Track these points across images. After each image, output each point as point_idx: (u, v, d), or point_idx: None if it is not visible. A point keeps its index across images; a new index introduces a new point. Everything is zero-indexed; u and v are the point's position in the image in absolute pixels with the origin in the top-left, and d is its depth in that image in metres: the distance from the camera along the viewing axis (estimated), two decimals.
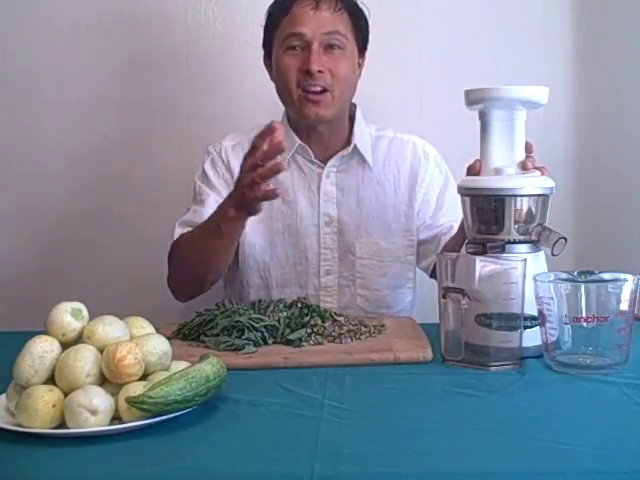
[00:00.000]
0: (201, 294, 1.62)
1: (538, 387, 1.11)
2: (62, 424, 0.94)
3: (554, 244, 1.22)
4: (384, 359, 1.21)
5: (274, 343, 1.30)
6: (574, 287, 1.14)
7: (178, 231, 1.62)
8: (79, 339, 1.02)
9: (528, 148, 1.33)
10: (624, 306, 1.13)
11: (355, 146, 1.65)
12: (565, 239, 1.22)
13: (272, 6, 1.63)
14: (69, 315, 1.02)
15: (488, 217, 1.27)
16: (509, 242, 1.26)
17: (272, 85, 1.65)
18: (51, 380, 0.98)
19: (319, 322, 1.34)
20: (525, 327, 1.19)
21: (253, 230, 1.66)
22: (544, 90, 1.30)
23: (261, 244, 1.67)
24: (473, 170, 1.34)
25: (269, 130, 1.30)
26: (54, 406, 0.94)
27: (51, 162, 2.02)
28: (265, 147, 1.30)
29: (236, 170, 1.64)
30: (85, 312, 1.04)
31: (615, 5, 2.00)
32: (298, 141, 1.64)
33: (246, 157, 1.35)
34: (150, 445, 0.91)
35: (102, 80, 1.99)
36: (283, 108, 1.67)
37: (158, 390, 0.94)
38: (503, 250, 1.25)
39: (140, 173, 2.02)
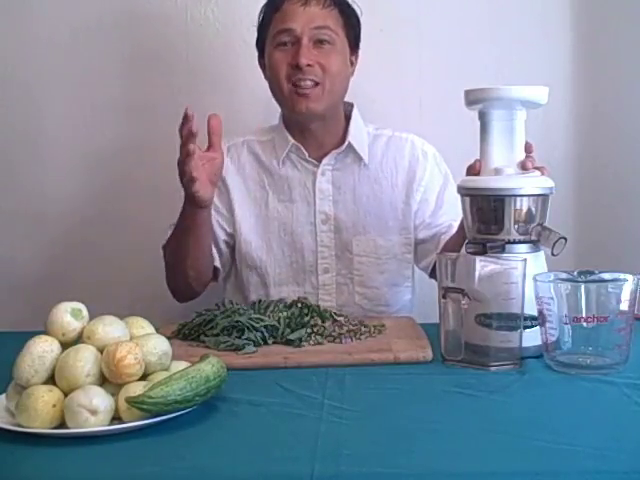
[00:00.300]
0: (195, 294, 1.64)
1: (538, 387, 1.11)
2: (62, 424, 0.94)
3: (554, 244, 1.22)
4: (384, 359, 1.21)
5: (274, 343, 1.30)
6: (574, 287, 1.14)
7: (168, 233, 1.64)
8: (79, 339, 1.02)
9: (528, 148, 1.33)
10: (624, 306, 1.13)
11: (349, 144, 1.65)
12: (565, 239, 1.22)
13: (264, 5, 1.65)
14: (69, 315, 1.02)
15: (488, 217, 1.27)
16: (509, 242, 1.26)
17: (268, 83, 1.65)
18: (51, 380, 0.98)
19: (319, 322, 1.34)
20: (525, 327, 1.19)
21: (249, 229, 1.67)
22: (544, 90, 1.30)
23: (257, 242, 1.67)
24: (473, 170, 1.34)
25: (185, 118, 1.38)
26: (54, 406, 0.94)
27: (51, 162, 2.02)
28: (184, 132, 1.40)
29: (230, 173, 1.67)
30: (85, 312, 1.04)
31: (615, 5, 1.99)
32: (292, 140, 1.65)
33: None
34: (150, 445, 0.91)
35: (102, 80, 1.99)
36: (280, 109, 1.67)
37: (158, 390, 0.94)
38: (503, 250, 1.25)
39: (140, 173, 2.01)
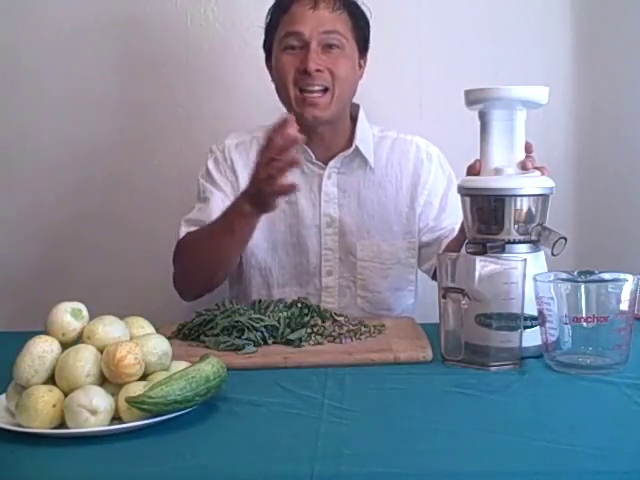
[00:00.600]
0: (208, 293, 1.61)
1: (538, 387, 1.11)
2: (62, 424, 0.94)
3: (554, 244, 1.22)
4: (384, 359, 1.21)
5: (274, 343, 1.30)
6: (574, 287, 1.14)
7: (183, 230, 1.61)
8: (79, 339, 1.02)
9: (528, 148, 1.33)
10: (624, 306, 1.13)
11: (357, 147, 1.65)
12: (565, 239, 1.22)
13: (272, 7, 1.63)
14: (69, 315, 1.02)
15: (488, 217, 1.27)
16: (509, 242, 1.26)
17: (272, 85, 1.64)
18: (51, 380, 0.98)
19: (319, 322, 1.34)
20: (525, 327, 1.19)
21: (255, 230, 1.66)
22: (544, 90, 1.30)
23: (262, 243, 1.67)
24: (473, 170, 1.34)
25: (282, 123, 1.31)
26: (54, 406, 0.94)
27: (51, 162, 2.02)
28: (280, 141, 1.30)
29: (239, 168, 1.65)
30: (85, 312, 1.04)
31: (615, 5, 2.00)
32: None
33: (261, 152, 1.36)
34: (150, 445, 0.91)
35: (102, 80, 1.99)
36: (283, 109, 1.66)
37: (158, 390, 0.94)
38: (503, 250, 1.25)
39: (140, 173, 2.02)
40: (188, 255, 1.58)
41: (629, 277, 1.14)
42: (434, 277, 1.64)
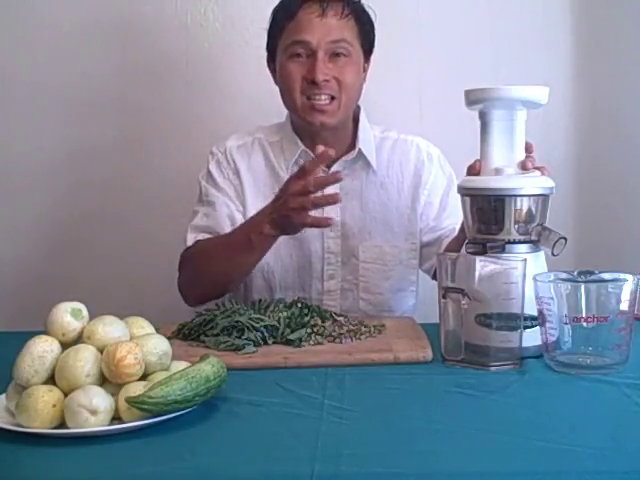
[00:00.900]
0: (215, 300, 1.61)
1: (538, 387, 1.11)
2: (62, 424, 0.94)
3: (554, 244, 1.22)
4: (384, 359, 1.21)
5: (274, 343, 1.30)
6: (574, 287, 1.14)
7: (191, 237, 1.60)
8: (79, 339, 1.02)
9: (528, 148, 1.33)
10: (624, 306, 1.13)
11: (360, 150, 1.64)
12: (565, 239, 1.22)
13: (277, 9, 1.60)
14: (69, 315, 1.02)
15: (488, 217, 1.27)
16: (509, 242, 1.26)
17: (272, 86, 1.64)
18: (51, 380, 0.98)
19: (319, 322, 1.34)
20: (525, 327, 1.19)
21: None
22: (544, 90, 1.30)
23: None
24: (473, 170, 1.34)
25: (324, 155, 1.32)
26: (54, 406, 0.94)
27: (51, 163, 2.02)
28: (319, 176, 1.33)
29: (243, 171, 1.65)
30: (85, 312, 1.04)
31: (615, 6, 2.00)
32: (302, 146, 1.63)
33: (294, 178, 1.36)
34: (150, 445, 0.91)
35: (102, 81, 2.00)
36: (283, 110, 1.66)
37: (158, 390, 0.94)
38: (503, 250, 1.25)
39: (140, 174, 2.02)
40: (199, 264, 1.57)
41: (629, 277, 1.14)
42: (434, 277, 1.64)
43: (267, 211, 1.42)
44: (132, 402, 0.93)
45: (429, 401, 1.06)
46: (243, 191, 1.65)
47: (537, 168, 1.31)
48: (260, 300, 1.44)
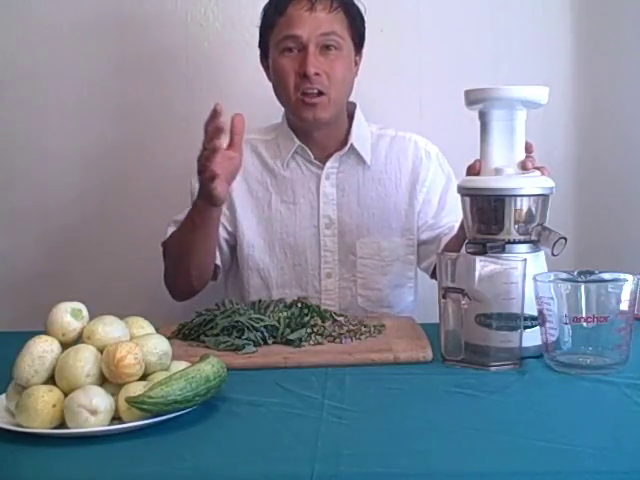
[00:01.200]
0: (194, 293, 1.63)
1: (538, 387, 1.11)
2: (62, 424, 0.94)
3: (554, 244, 1.22)
4: (384, 359, 1.21)
5: (274, 343, 1.30)
6: (574, 287, 1.14)
7: (169, 230, 1.64)
8: (79, 339, 1.02)
9: (528, 148, 1.33)
10: (624, 306, 1.13)
11: (352, 145, 1.65)
12: (565, 239, 1.22)
13: (267, 6, 1.62)
14: (69, 315, 1.02)
15: (488, 217, 1.27)
16: (509, 242, 1.26)
17: (271, 86, 1.65)
18: (51, 380, 0.98)
19: (319, 322, 1.34)
20: (525, 327, 1.19)
21: (252, 230, 1.66)
22: (544, 90, 1.30)
23: (260, 245, 1.67)
24: (473, 170, 1.34)
25: (213, 113, 1.35)
26: (54, 406, 0.94)
27: (50, 163, 2.02)
28: (210, 131, 1.36)
29: None
30: (85, 312, 1.04)
31: (615, 5, 2.00)
32: (297, 142, 1.64)
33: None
34: (150, 445, 0.91)
35: (102, 80, 1.99)
36: (282, 108, 1.66)
37: (158, 390, 0.94)
38: (503, 250, 1.25)
39: (139, 173, 2.02)
40: (167, 254, 1.63)
41: (629, 277, 1.14)
42: (433, 275, 1.65)
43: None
44: (132, 402, 0.93)
45: (429, 401, 1.06)
46: (230, 190, 1.65)
47: (537, 168, 1.31)
48: (260, 300, 1.44)
